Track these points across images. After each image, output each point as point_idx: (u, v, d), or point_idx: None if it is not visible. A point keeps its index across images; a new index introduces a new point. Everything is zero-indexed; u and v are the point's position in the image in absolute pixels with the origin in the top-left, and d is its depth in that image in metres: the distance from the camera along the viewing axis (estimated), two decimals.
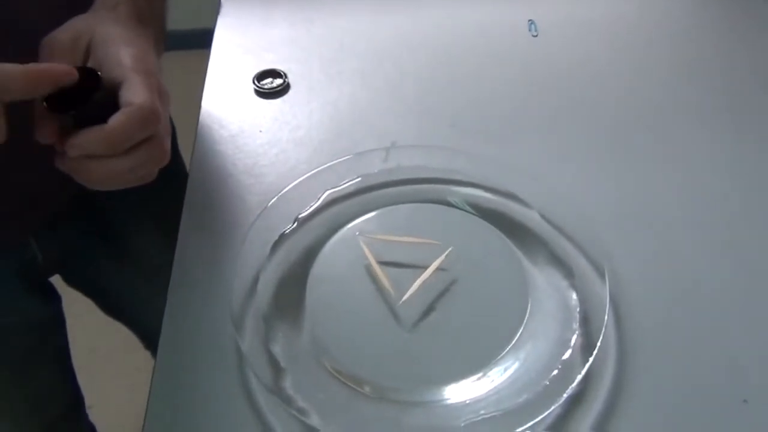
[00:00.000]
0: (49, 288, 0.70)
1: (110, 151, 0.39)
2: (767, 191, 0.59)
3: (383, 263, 0.52)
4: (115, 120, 0.38)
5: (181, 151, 0.75)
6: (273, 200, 0.55)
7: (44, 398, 0.72)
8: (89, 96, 0.39)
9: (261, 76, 0.71)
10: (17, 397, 0.69)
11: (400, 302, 0.50)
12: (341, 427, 0.43)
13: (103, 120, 0.38)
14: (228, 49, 0.77)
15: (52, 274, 0.71)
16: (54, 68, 0.38)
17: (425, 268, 0.51)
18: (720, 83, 0.71)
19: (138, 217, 0.72)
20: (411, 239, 0.53)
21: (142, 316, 0.82)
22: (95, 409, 0.86)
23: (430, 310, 0.50)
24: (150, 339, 0.74)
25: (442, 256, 0.52)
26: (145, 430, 0.44)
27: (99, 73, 0.40)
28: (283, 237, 0.54)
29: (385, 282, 0.51)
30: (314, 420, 0.43)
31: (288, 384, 0.45)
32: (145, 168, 0.41)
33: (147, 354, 0.88)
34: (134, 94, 0.39)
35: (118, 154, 0.39)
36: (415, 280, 0.50)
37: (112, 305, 0.83)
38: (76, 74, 0.38)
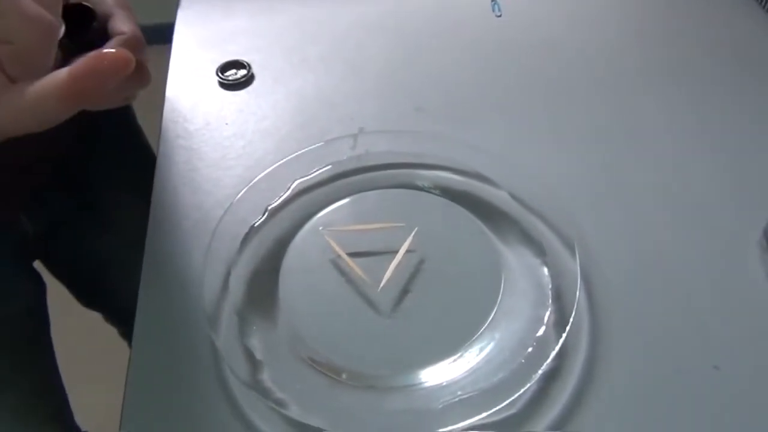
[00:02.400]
0: (36, 274, 0.71)
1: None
2: (733, 162, 0.60)
3: (353, 254, 0.52)
4: (111, 44, 0.43)
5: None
6: (241, 192, 0.55)
7: (36, 396, 0.73)
8: (85, 28, 0.43)
9: (224, 67, 0.71)
10: (12, 395, 0.69)
11: (379, 289, 0.50)
12: (320, 417, 0.43)
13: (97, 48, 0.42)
14: (189, 42, 0.75)
15: (40, 254, 0.73)
16: None
17: (396, 252, 0.51)
18: (688, 60, 0.72)
19: (116, 188, 0.75)
20: (375, 225, 0.53)
21: (123, 290, 0.82)
22: (78, 414, 0.85)
23: (404, 295, 0.50)
24: (127, 322, 0.75)
25: (410, 238, 0.52)
26: (122, 427, 0.44)
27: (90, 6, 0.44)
28: (253, 230, 0.54)
29: (358, 271, 0.50)
30: (293, 411, 0.42)
31: (265, 377, 0.45)
32: (132, 90, 0.45)
33: (124, 355, 0.87)
34: (123, 24, 0.44)
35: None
36: (387, 266, 0.50)
37: (94, 281, 0.83)
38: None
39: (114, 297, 0.87)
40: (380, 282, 0.50)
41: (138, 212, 0.72)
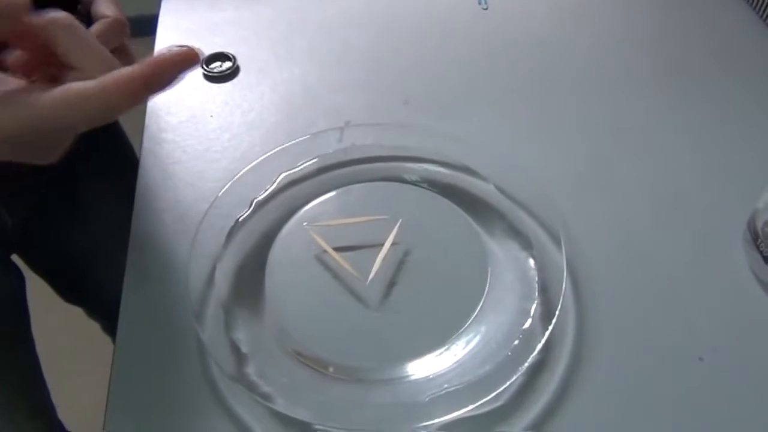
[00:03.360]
0: (16, 268, 0.71)
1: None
2: (720, 155, 0.61)
3: (338, 248, 0.52)
4: (96, 28, 0.43)
5: (130, 140, 0.74)
6: (227, 186, 0.55)
7: (20, 392, 0.72)
8: (70, 12, 0.43)
9: (209, 60, 0.70)
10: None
11: (367, 282, 0.50)
12: (307, 410, 0.43)
13: None
14: (173, 34, 0.75)
15: (18, 247, 0.71)
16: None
17: (382, 245, 0.51)
18: (673, 55, 0.72)
19: (95, 178, 0.75)
20: (359, 219, 0.53)
21: (104, 282, 0.81)
22: (61, 410, 0.85)
23: (390, 288, 0.50)
24: (110, 316, 0.75)
25: (395, 230, 0.52)
26: (107, 423, 0.44)
27: None
28: (238, 223, 0.54)
29: (345, 265, 0.50)
30: (279, 404, 0.42)
31: (251, 370, 0.45)
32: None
33: (107, 351, 0.87)
34: (107, 8, 0.45)
35: None
36: (374, 259, 0.51)
37: (74, 273, 0.83)
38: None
39: (96, 290, 0.87)
40: (367, 275, 0.50)
41: (118, 202, 0.72)
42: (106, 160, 0.75)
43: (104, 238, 0.78)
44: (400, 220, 0.53)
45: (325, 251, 0.52)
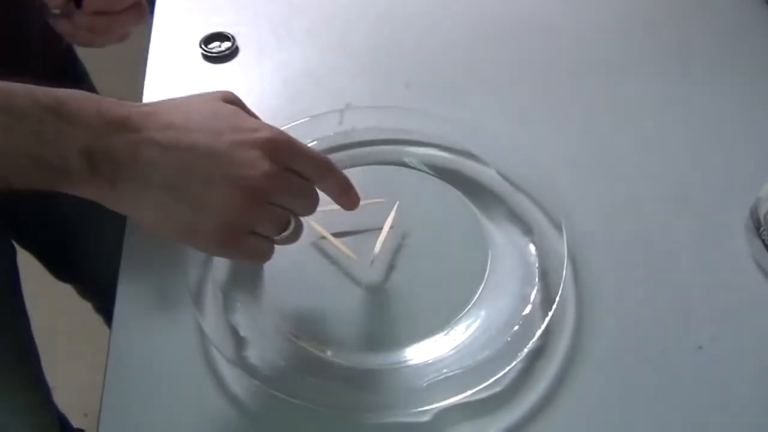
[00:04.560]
0: (5, 238, 0.71)
1: (115, 6, 0.54)
2: (723, 143, 0.61)
3: (337, 234, 0.52)
4: None
5: None
6: None
7: (14, 360, 0.73)
8: None
9: (208, 39, 0.70)
10: None
11: (369, 266, 0.50)
12: (305, 394, 0.43)
13: None
14: (172, 12, 0.74)
15: (6, 220, 0.71)
16: None
17: (381, 229, 0.52)
18: (678, 43, 0.72)
19: None
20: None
21: (96, 255, 0.81)
22: (55, 392, 0.86)
23: (390, 272, 0.51)
24: (102, 294, 0.75)
25: (392, 212, 0.52)
26: (103, 407, 0.44)
27: None
28: None
29: (345, 249, 0.51)
30: (278, 388, 0.43)
31: (250, 354, 0.46)
32: (129, 24, 0.56)
33: (100, 331, 0.88)
34: None
35: (117, 12, 0.54)
36: (373, 243, 0.51)
37: (64, 245, 0.83)
38: None
39: (86, 263, 0.87)
40: (366, 259, 0.50)
41: None
42: None
43: (93, 207, 0.77)
44: (398, 203, 0.53)
45: (323, 238, 0.52)
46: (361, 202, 0.48)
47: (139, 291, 0.50)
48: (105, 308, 0.97)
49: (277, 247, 0.43)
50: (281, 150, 0.41)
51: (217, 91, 0.44)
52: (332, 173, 0.44)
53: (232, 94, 0.45)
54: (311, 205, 0.43)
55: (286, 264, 0.51)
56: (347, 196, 0.46)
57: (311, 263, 0.51)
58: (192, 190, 0.38)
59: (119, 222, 0.53)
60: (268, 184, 0.39)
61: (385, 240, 0.51)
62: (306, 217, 0.44)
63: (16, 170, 0.37)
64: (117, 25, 0.55)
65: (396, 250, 0.52)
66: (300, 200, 0.42)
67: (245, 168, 0.39)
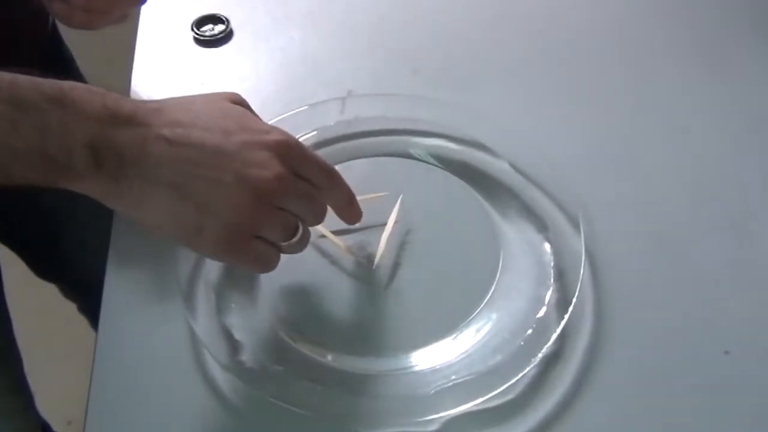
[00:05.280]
0: None
1: None
2: (745, 131, 0.61)
3: (338, 231, 0.52)
4: None
5: None
6: None
7: None
8: None
9: (200, 22, 0.70)
10: None
11: (374, 266, 0.50)
12: (304, 402, 0.43)
13: None
14: None
15: None
16: None
17: (385, 225, 0.52)
18: (705, 27, 0.71)
19: None
20: (360, 197, 0.53)
21: (80, 251, 0.82)
22: (36, 397, 0.86)
23: (395, 272, 0.51)
24: (87, 294, 0.74)
25: (396, 207, 0.52)
26: (88, 415, 0.44)
27: None
28: None
29: (346, 249, 0.51)
30: (275, 395, 0.43)
31: (245, 358, 0.46)
32: (130, 5, 0.56)
33: (84, 333, 0.88)
34: None
35: None
36: (377, 240, 0.51)
37: (46, 240, 0.83)
38: None
39: (71, 260, 0.87)
40: (369, 258, 0.50)
41: None
42: None
43: (75, 198, 0.77)
44: (401, 196, 0.53)
45: (322, 236, 0.52)
46: (363, 196, 0.49)
47: (127, 290, 0.50)
48: (90, 309, 0.97)
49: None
50: (292, 154, 0.41)
51: (224, 92, 0.45)
52: (340, 183, 0.45)
53: (239, 96, 0.46)
54: (320, 214, 0.44)
55: (284, 262, 0.51)
56: (350, 209, 0.47)
57: (312, 261, 0.51)
58: (199, 189, 0.39)
59: (106, 216, 0.54)
60: (279, 187, 0.40)
61: (389, 237, 0.51)
62: None
63: (20, 164, 0.37)
64: (117, 4, 0.55)
65: (401, 248, 0.52)
66: (309, 207, 0.43)
67: (256, 168, 0.39)
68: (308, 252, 0.51)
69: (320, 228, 0.52)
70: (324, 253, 0.52)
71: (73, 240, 0.83)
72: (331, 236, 0.51)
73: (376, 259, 0.50)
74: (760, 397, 0.45)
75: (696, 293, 0.50)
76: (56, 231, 0.82)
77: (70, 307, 1.02)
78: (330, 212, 0.47)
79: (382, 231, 0.51)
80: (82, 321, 1.01)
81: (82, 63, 0.81)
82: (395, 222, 0.52)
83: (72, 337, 1.04)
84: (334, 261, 0.51)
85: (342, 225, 0.50)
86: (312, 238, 0.50)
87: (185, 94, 0.63)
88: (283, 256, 0.45)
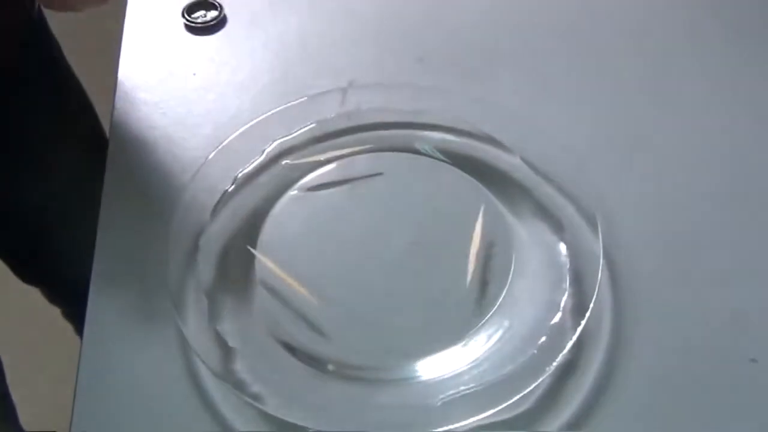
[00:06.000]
0: None
1: None
2: None
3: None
4: None
5: (99, 101, 0.74)
6: (211, 155, 0.55)
7: None
8: None
9: (191, 8, 0.70)
10: None
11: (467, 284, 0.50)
12: (302, 413, 0.43)
13: None
14: None
15: None
16: None
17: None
18: (731, 16, 0.71)
19: (43, 129, 0.75)
20: (343, 151, 0.53)
21: (63, 250, 0.82)
22: (20, 407, 0.86)
23: (400, 275, 0.51)
24: (72, 300, 0.75)
25: (479, 221, 0.52)
26: (73, 426, 0.44)
27: None
28: (225, 198, 0.54)
29: (305, 292, 0.50)
30: (271, 406, 0.43)
31: (239, 366, 0.46)
32: None
33: (68, 340, 0.88)
34: None
35: None
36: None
37: (28, 238, 0.83)
38: None
39: (53, 261, 0.87)
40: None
41: (72, 151, 0.73)
42: (52, 98, 0.75)
43: (58, 194, 0.77)
44: (482, 207, 0.53)
45: (325, 222, 0.51)
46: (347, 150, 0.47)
47: (114, 294, 0.50)
48: (75, 314, 0.97)
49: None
50: None
51: None
52: None
53: None
54: None
55: (282, 263, 0.51)
56: None
57: (310, 262, 0.51)
58: None
59: (92, 216, 0.54)
60: None
61: (393, 237, 0.51)
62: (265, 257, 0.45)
63: None
64: None
65: (406, 248, 0.52)
66: None
67: None
68: (308, 249, 0.52)
69: (278, 271, 0.51)
70: (326, 247, 0.52)
71: (56, 241, 0.83)
72: (290, 280, 0.51)
73: (468, 276, 0.50)
74: None
75: (721, 298, 0.50)
76: (39, 232, 0.82)
77: (55, 313, 1.02)
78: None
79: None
80: (67, 328, 1.01)
81: (68, 51, 0.81)
82: (408, 224, 0.52)
83: (57, 345, 1.04)
84: (335, 262, 0.51)
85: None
86: (315, 230, 0.50)
87: (176, 84, 0.64)
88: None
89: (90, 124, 0.80)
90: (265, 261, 0.51)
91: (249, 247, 0.51)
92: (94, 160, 0.61)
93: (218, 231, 0.52)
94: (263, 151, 0.57)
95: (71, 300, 0.93)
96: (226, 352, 0.46)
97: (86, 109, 0.80)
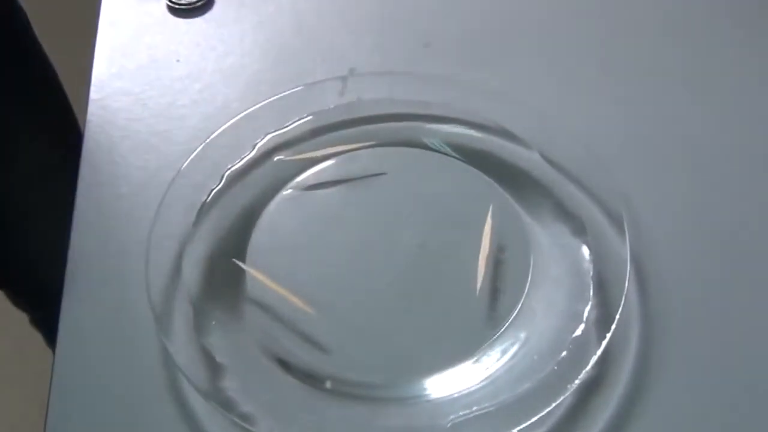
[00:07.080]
0: None
1: None
2: None
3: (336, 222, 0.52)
4: None
5: (72, 91, 0.74)
6: (197, 150, 0.55)
7: None
8: None
9: None
10: None
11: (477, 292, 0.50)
12: None
13: None
14: None
15: None
16: None
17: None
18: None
19: (15, 113, 0.75)
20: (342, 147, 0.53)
21: (31, 248, 0.82)
22: None
23: (405, 283, 0.51)
24: (41, 304, 0.74)
25: (488, 225, 0.52)
26: None
27: None
28: (212, 197, 0.54)
29: (300, 303, 0.50)
30: (263, 428, 0.43)
31: (228, 384, 0.46)
32: None
33: (38, 351, 0.88)
34: None
35: None
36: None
37: None
38: None
39: (20, 264, 0.87)
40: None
41: (41, 141, 0.74)
42: (13, 74, 0.75)
43: (27, 188, 0.78)
44: (491, 208, 0.52)
45: (319, 225, 0.52)
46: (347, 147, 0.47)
47: (90, 302, 0.50)
48: (45, 322, 0.97)
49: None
50: None
51: None
52: None
53: None
54: None
55: (275, 271, 0.51)
56: None
57: (307, 270, 0.51)
58: None
59: (63, 213, 0.54)
60: None
61: (398, 242, 0.51)
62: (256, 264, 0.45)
63: None
64: None
65: (413, 254, 0.52)
66: None
67: None
68: (304, 256, 0.52)
69: (268, 282, 0.51)
70: (324, 253, 0.52)
71: (23, 240, 0.83)
72: (282, 290, 0.51)
73: (478, 284, 0.50)
74: None
75: (760, 308, 0.50)
76: (3, 229, 0.83)
77: (21, 318, 1.02)
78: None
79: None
80: (34, 336, 1.01)
81: (40, 33, 0.81)
82: (414, 227, 0.52)
83: (23, 355, 1.04)
84: (333, 269, 0.51)
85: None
86: (312, 234, 0.51)
87: (159, 72, 0.64)
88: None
89: (60, 111, 0.80)
90: (255, 269, 0.51)
91: (236, 260, 0.51)
92: (65, 153, 0.61)
93: (205, 234, 0.52)
94: (254, 146, 0.57)
95: (39, 305, 0.94)
96: (214, 368, 0.46)
97: (56, 92, 0.80)
